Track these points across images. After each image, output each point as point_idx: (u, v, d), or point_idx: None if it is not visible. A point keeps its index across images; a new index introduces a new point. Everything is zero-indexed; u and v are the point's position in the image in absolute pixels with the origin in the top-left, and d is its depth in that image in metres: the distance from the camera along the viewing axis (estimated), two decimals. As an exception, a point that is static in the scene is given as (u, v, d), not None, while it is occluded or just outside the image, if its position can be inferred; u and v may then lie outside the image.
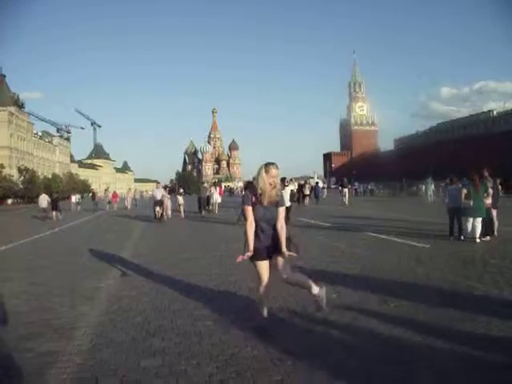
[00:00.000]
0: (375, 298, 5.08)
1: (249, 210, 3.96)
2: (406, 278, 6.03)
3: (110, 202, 35.60)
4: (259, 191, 3.96)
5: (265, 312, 4.29)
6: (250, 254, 3.91)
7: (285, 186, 16.01)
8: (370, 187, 50.74)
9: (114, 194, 36.97)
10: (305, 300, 4.68)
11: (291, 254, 3.93)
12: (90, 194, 29.48)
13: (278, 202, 4.01)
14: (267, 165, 3.96)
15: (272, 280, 4.12)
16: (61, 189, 69.93)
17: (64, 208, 26.75)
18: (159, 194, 19.35)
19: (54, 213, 23.32)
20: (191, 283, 6.29)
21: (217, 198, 23.79)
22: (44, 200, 24.95)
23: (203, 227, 15.72)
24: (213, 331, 4.19)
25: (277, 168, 3.98)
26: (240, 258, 3.92)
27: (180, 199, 21.54)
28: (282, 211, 4.01)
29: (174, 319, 4.61)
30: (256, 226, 3.98)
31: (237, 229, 12.71)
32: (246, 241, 3.97)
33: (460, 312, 4.44)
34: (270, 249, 4.01)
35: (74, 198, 38.74)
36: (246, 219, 4.02)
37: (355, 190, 49.23)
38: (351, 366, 3.25)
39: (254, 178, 4.18)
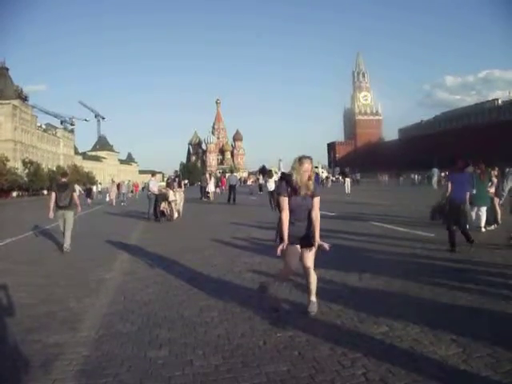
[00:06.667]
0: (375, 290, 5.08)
1: (285, 200, 4.06)
2: (412, 270, 6.02)
3: (132, 191, 43.48)
4: (297, 184, 4.04)
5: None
6: (285, 245, 3.95)
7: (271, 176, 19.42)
8: (355, 177, 51.10)
9: (136, 185, 48.27)
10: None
11: (323, 244, 4.03)
12: (116, 185, 33.41)
13: (314, 193, 4.13)
14: (300, 158, 4.06)
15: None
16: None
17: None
18: (155, 186, 15.72)
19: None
20: (196, 274, 6.31)
21: (211, 187, 27.32)
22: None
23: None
24: (218, 322, 4.20)
25: (310, 161, 4.07)
26: (279, 250, 3.97)
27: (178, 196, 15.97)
28: (317, 201, 4.15)
29: (179, 310, 4.62)
30: (290, 215, 4.07)
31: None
32: (280, 230, 4.06)
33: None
34: (301, 239, 4.12)
35: (95, 188, 46.60)
36: (280, 209, 4.11)
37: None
38: (359, 353, 3.26)
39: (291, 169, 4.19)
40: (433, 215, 7.90)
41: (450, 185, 7.35)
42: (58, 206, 9.06)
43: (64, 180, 9.71)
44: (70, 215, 9.17)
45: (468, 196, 7.43)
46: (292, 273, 4.30)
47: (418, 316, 4.04)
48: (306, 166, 4.02)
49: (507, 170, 8.75)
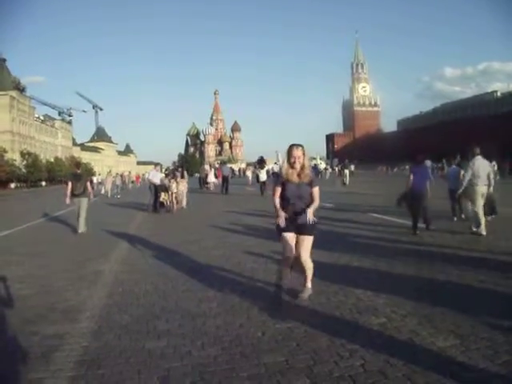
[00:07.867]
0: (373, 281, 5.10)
1: (275, 189, 4.30)
2: (412, 260, 6.04)
3: (133, 182, 45.89)
4: (285, 171, 4.21)
5: (284, 286, 4.46)
6: (282, 219, 4.09)
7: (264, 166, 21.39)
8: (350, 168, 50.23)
9: (137, 176, 53.51)
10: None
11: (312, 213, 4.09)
12: (119, 176, 35.07)
13: (312, 182, 4.21)
14: (290, 146, 4.19)
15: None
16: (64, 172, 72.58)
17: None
18: (155, 177, 15.35)
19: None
20: (194, 265, 6.31)
21: (211, 177, 29.27)
22: None
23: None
24: (217, 313, 4.20)
25: (299, 148, 4.15)
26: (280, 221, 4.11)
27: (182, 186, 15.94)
28: (316, 190, 4.23)
29: (178, 301, 4.63)
30: (285, 202, 4.21)
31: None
32: (275, 210, 4.25)
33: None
34: (298, 226, 4.20)
35: (96, 179, 48.80)
36: (273, 195, 4.35)
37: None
38: (356, 343, 3.27)
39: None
40: (398, 202, 8.42)
41: (411, 176, 8.30)
42: (73, 194, 10.28)
43: (78, 171, 10.89)
44: (84, 202, 10.39)
45: (428, 186, 8.38)
46: (291, 259, 4.34)
47: (416, 307, 4.06)
48: (295, 152, 4.11)
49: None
